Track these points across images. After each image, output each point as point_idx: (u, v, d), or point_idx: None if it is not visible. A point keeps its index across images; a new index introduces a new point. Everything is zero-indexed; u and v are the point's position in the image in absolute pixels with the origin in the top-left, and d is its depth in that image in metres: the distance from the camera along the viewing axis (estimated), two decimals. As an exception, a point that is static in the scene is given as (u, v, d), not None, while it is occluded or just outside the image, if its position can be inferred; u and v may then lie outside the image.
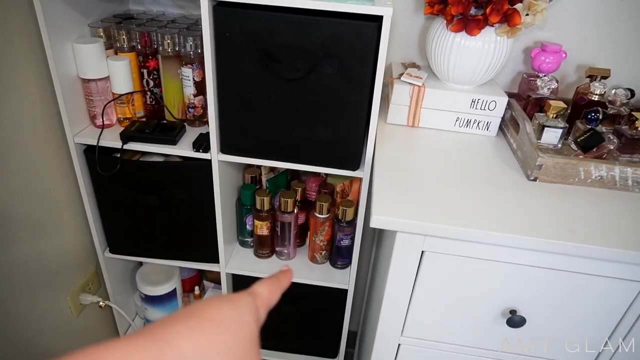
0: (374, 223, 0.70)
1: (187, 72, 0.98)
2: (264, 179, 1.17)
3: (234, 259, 1.18)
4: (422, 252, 0.74)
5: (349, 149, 0.91)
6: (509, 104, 0.96)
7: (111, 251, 1.21)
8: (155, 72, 1.03)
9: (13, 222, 0.97)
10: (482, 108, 0.96)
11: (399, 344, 0.87)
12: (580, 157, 0.83)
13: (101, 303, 1.28)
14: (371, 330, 1.11)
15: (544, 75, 1.00)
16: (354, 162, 0.93)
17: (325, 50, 0.80)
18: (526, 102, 0.98)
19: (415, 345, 0.86)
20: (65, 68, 0.96)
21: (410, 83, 0.97)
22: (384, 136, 0.95)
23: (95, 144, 1.00)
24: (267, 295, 0.34)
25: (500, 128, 0.99)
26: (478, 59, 0.92)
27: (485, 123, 0.97)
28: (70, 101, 0.99)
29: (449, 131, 0.99)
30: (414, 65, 1.08)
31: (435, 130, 1.00)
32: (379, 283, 1.03)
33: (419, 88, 0.96)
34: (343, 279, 1.13)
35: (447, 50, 0.94)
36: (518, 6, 0.87)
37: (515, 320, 0.75)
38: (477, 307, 0.79)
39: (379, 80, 0.83)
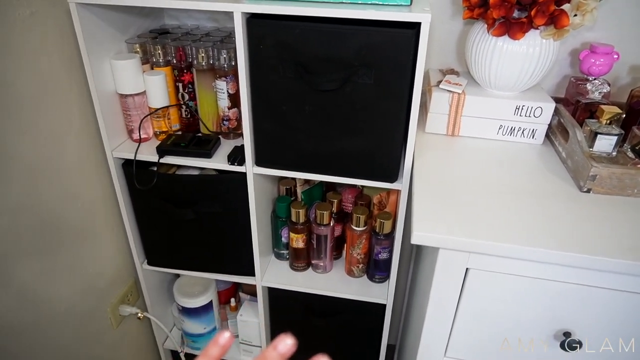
0: (415, 240, 0.67)
1: (222, 84, 0.98)
2: (299, 191, 1.15)
3: (269, 271, 1.17)
4: (467, 269, 0.70)
5: (387, 160, 0.88)
6: (556, 109, 0.90)
7: (149, 263, 1.22)
8: (190, 86, 1.04)
9: (56, 236, 0.99)
10: (527, 115, 0.91)
11: (441, 365, 0.83)
12: (639, 166, 0.77)
13: (140, 314, 1.30)
14: (411, 346, 1.07)
15: (595, 79, 0.94)
16: (392, 173, 0.90)
17: (361, 59, 0.78)
18: (575, 107, 0.93)
19: (459, 366, 0.81)
20: (104, 84, 0.97)
21: (449, 90, 0.93)
22: (423, 146, 0.91)
23: (133, 158, 1.00)
24: None
25: (547, 136, 0.94)
26: (522, 63, 0.88)
27: (531, 131, 0.92)
28: (109, 116, 1.00)
29: (491, 140, 0.95)
30: (452, 71, 1.04)
31: (477, 139, 0.95)
32: (419, 298, 0.99)
33: (458, 95, 0.92)
34: (381, 293, 1.10)
35: (488, 55, 0.90)
36: (565, 7, 0.82)
37: (570, 344, 0.70)
38: (527, 328, 0.74)
39: (417, 89, 0.80)
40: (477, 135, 0.95)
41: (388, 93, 0.80)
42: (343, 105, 0.83)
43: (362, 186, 1.16)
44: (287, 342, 0.33)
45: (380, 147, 0.86)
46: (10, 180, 0.86)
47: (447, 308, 0.75)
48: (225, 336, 0.34)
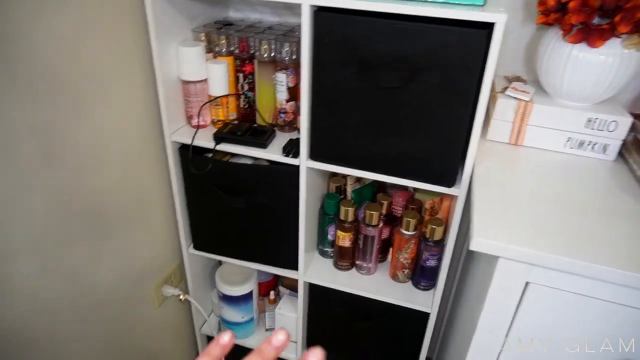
0: (475, 246, 0.64)
1: (281, 77, 0.98)
2: (349, 189, 1.14)
3: (312, 267, 1.16)
4: (527, 283, 0.67)
5: (446, 164, 0.85)
6: (633, 125, 0.85)
7: (195, 247, 1.24)
8: (250, 77, 1.05)
9: (110, 213, 1.02)
10: (600, 128, 0.86)
11: (487, 381, 0.79)
12: None
13: (181, 297, 1.32)
14: (453, 358, 1.03)
15: (677, 95, 0.88)
16: (450, 178, 0.87)
17: (429, 58, 0.76)
18: (653, 124, 0.87)
19: (506, 385, 0.78)
20: (168, 70, 1.00)
21: (516, 97, 0.89)
22: (483, 153, 0.88)
23: (190, 143, 1.02)
24: None
25: (619, 152, 0.88)
26: (599, 73, 0.83)
27: (602, 145, 0.87)
28: (170, 101, 1.03)
29: (557, 152, 0.90)
30: (518, 79, 1.00)
31: (542, 150, 0.91)
32: (466, 310, 0.96)
33: (525, 103, 0.88)
34: (426, 301, 1.07)
35: (562, 63, 0.85)
36: (653, 15, 0.77)
37: (633, 374, 0.65)
38: (586, 351, 0.69)
39: (484, 93, 0.77)
40: (542, 147, 0.91)
41: (454, 95, 0.78)
42: (405, 105, 0.81)
43: (414, 190, 1.13)
44: (279, 338, 0.35)
45: (440, 150, 0.84)
46: (66, 163, 0.88)
47: (501, 323, 0.72)
48: (225, 338, 0.36)
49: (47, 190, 0.84)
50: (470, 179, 0.85)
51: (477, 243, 0.64)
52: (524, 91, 0.90)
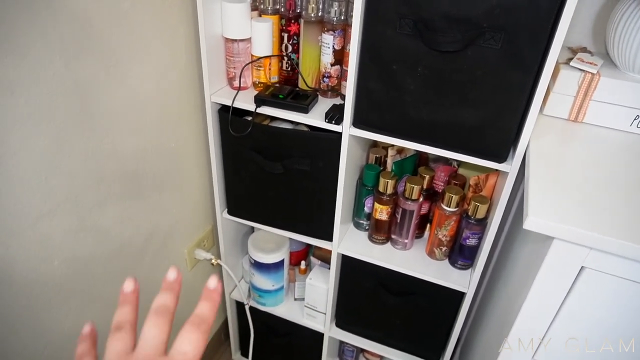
0: (530, 225, 0.60)
1: (328, 39, 0.94)
2: (389, 161, 1.10)
3: (347, 239, 1.14)
4: (582, 267, 0.62)
5: (500, 138, 0.80)
6: None
7: (229, 212, 1.23)
8: (295, 37, 1.01)
9: (148, 174, 1.01)
10: (674, 107, 0.79)
11: (527, 367, 0.76)
12: None
13: (213, 261, 1.33)
14: (486, 343, 1.00)
15: None
16: (503, 153, 0.82)
17: (492, 21, 0.70)
18: None
19: (548, 372, 0.74)
20: (212, 27, 0.97)
21: (581, 69, 0.82)
22: (539, 129, 0.82)
23: (230, 104, 1.00)
24: (192, 354, 0.34)
25: (693, 134, 0.81)
26: (680, 45, 0.75)
27: (674, 126, 0.80)
28: (212, 60, 1.00)
29: (622, 131, 0.83)
30: (584, 50, 0.92)
31: (604, 128, 0.84)
32: (506, 292, 0.91)
33: (592, 76, 0.81)
34: (462, 280, 1.03)
35: (636, 32, 0.78)
36: None
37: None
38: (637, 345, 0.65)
39: (551, 62, 0.70)
40: (604, 125, 0.84)
41: (515, 62, 0.72)
42: (461, 71, 0.76)
43: (458, 165, 1.08)
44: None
45: (495, 122, 0.79)
46: (102, 123, 0.86)
47: (548, 308, 0.68)
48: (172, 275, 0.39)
49: (81, 151, 0.82)
50: (524, 155, 0.80)
51: (532, 222, 0.60)
52: (590, 62, 0.83)
